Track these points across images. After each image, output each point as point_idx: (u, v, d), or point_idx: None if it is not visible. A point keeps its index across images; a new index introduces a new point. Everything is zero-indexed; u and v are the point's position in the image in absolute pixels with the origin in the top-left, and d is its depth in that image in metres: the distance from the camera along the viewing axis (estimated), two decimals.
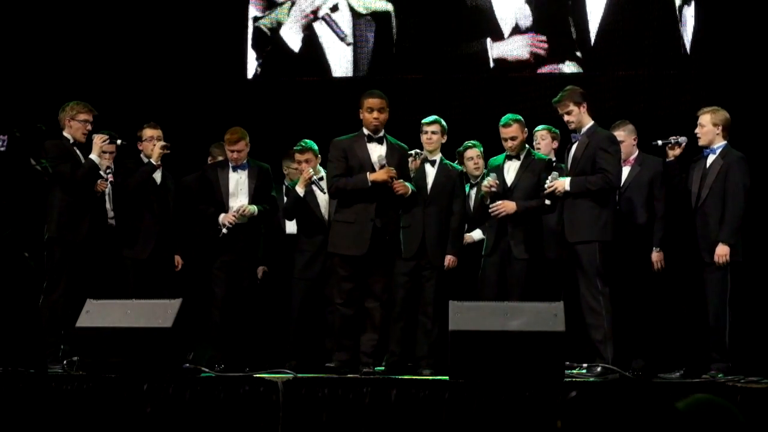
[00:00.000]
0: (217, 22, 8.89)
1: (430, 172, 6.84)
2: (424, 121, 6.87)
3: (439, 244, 6.79)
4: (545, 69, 8.50)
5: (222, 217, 6.79)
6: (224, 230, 6.79)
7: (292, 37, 8.86)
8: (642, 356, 6.36)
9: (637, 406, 4.87)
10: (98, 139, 6.57)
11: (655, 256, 6.41)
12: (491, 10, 8.57)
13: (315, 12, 8.83)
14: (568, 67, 8.42)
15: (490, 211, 6.45)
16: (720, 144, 6.21)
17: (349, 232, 6.09)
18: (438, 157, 6.88)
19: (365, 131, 6.21)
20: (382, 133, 6.22)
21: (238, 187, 6.91)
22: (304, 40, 8.84)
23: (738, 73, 8.05)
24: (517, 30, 8.54)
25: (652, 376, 6.10)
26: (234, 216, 6.75)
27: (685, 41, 8.28)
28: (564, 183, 6.05)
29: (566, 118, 6.17)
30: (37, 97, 8.12)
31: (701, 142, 6.25)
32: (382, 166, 6.09)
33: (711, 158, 6.21)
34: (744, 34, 8.08)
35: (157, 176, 6.92)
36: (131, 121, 7.33)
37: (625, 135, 6.52)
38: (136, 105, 8.37)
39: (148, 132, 6.96)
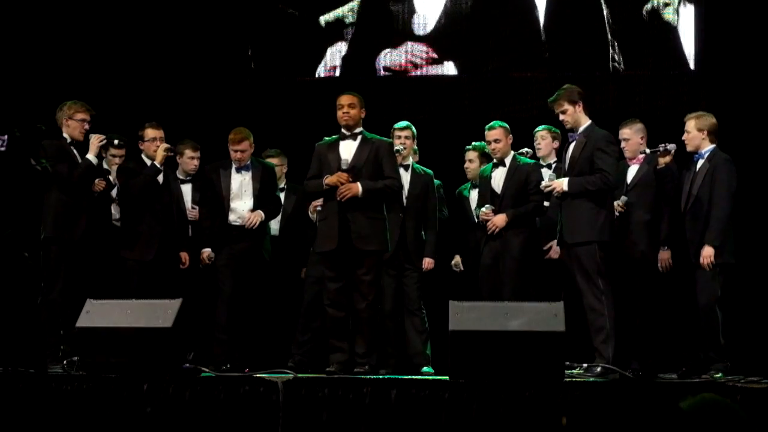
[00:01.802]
0: (219, 20, 8.88)
1: (405, 177, 6.92)
2: (395, 126, 7.03)
3: (420, 246, 6.97)
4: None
5: (203, 254, 6.94)
6: (201, 265, 6.98)
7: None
8: (642, 356, 6.36)
9: (638, 406, 4.87)
10: (95, 139, 6.55)
11: (662, 254, 6.39)
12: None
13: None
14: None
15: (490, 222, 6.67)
16: (708, 148, 6.21)
17: (323, 229, 6.22)
18: (410, 161, 7.05)
19: (342, 130, 6.30)
20: (357, 130, 6.26)
21: (242, 188, 6.90)
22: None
23: (738, 73, 8.05)
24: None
25: (652, 376, 6.10)
26: (209, 261, 6.92)
27: (686, 42, 8.29)
28: (562, 183, 6.07)
29: (561, 117, 6.18)
30: (37, 97, 8.12)
31: (688, 148, 6.26)
32: (342, 170, 6.13)
33: (700, 162, 6.21)
34: (744, 34, 8.07)
35: (159, 177, 6.85)
36: (131, 119, 7.32)
37: (630, 133, 6.51)
38: (136, 104, 8.36)
39: (150, 132, 6.88)
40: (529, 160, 6.84)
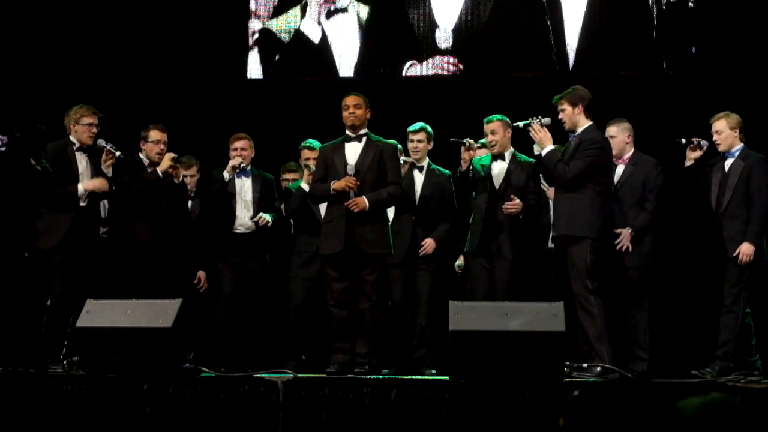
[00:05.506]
0: (217, 23, 8.87)
1: (418, 179, 6.87)
2: (409, 129, 6.93)
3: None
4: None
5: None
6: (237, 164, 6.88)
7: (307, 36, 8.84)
8: (651, 357, 6.35)
9: (638, 406, 4.87)
10: (99, 183, 6.50)
11: (625, 233, 6.26)
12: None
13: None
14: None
15: (504, 208, 6.51)
16: (738, 147, 6.18)
17: (329, 232, 6.19)
18: (425, 162, 6.94)
19: (346, 131, 6.29)
20: (362, 132, 6.26)
21: (241, 194, 6.92)
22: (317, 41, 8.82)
23: (739, 72, 8.04)
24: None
25: (652, 376, 6.09)
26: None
27: (687, 41, 8.29)
28: (545, 142, 6.07)
29: (560, 116, 6.16)
30: (38, 97, 8.12)
31: (722, 148, 6.21)
32: (348, 174, 6.13)
33: (729, 161, 6.17)
34: (745, 33, 8.06)
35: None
36: (129, 121, 7.30)
37: (617, 131, 6.44)
38: (134, 106, 8.36)
39: (154, 134, 6.78)
40: (528, 158, 6.69)
